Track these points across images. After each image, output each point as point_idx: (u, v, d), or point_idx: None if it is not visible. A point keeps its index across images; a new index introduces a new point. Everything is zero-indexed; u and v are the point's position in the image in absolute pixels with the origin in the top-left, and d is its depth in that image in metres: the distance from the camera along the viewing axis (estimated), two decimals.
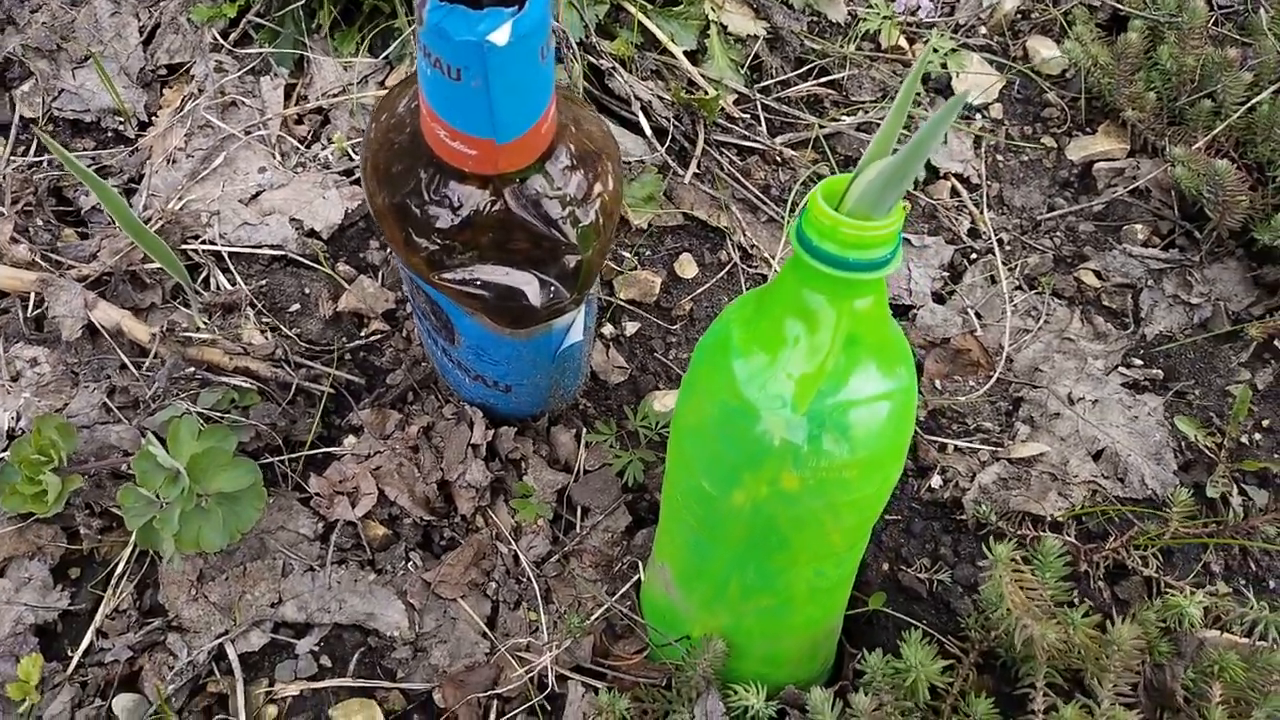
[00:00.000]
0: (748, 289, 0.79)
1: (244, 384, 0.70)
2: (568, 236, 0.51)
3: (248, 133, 0.82)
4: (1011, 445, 0.74)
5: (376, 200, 0.52)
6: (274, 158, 0.82)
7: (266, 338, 0.73)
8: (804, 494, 0.48)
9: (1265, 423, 0.76)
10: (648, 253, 0.81)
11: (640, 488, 0.70)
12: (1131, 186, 0.88)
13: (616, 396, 0.74)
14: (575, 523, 0.68)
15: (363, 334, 0.75)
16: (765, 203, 0.81)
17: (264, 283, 0.77)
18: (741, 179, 0.81)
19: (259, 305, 0.75)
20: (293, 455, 0.69)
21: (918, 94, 0.92)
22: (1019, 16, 0.98)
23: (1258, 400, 0.77)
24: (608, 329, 0.77)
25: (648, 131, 0.81)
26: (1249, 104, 0.85)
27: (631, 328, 0.77)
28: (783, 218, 0.81)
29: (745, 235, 0.80)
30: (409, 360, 0.73)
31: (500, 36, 0.39)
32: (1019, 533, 0.67)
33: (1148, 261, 0.85)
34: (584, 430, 0.71)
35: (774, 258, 0.80)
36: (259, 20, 0.87)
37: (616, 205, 0.54)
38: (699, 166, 0.82)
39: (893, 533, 0.70)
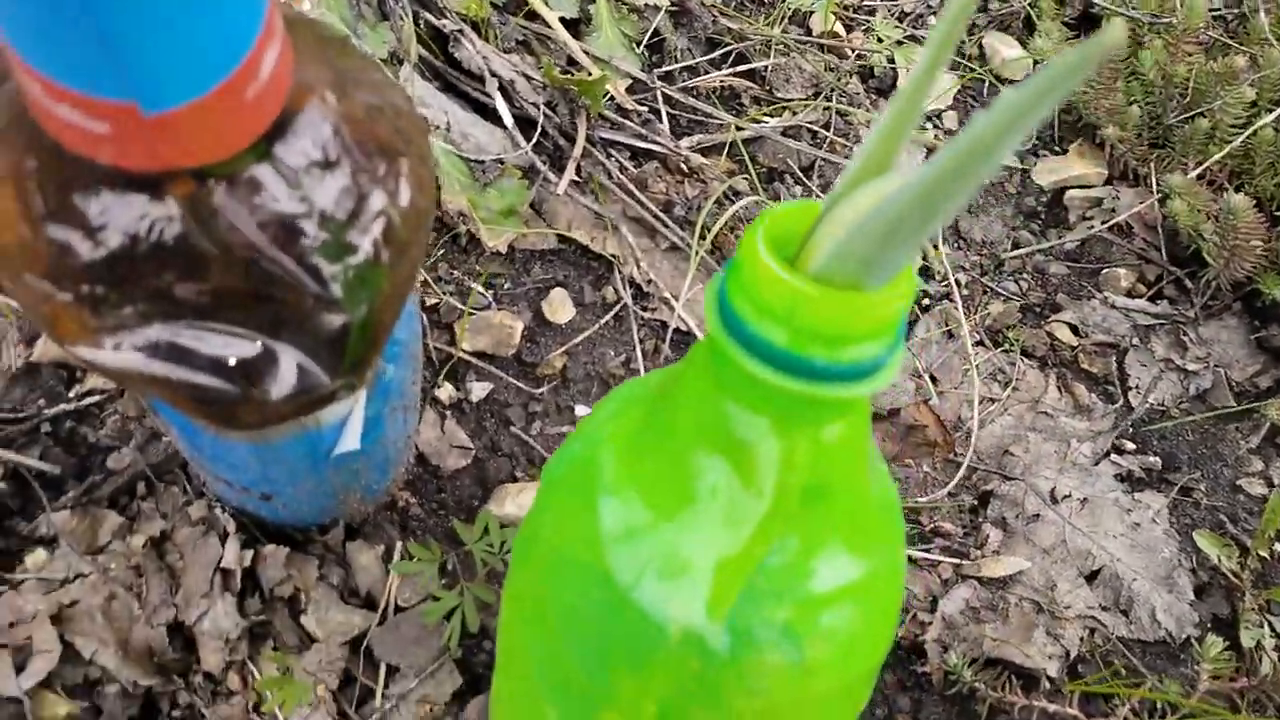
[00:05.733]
0: (642, 340, 0.59)
1: None
2: (320, 283, 0.29)
3: None
4: (981, 558, 0.56)
5: None
6: None
7: None
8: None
9: None
10: (506, 286, 0.59)
11: (478, 633, 0.48)
12: (1111, 221, 0.72)
13: (454, 490, 0.53)
14: (375, 689, 0.46)
15: (71, 395, 0.51)
16: (667, 224, 0.61)
17: None
18: (635, 191, 0.61)
19: None
20: None
21: (858, 93, 0.73)
22: (977, 10, 0.80)
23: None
24: (445, 391, 0.55)
25: (508, 121, 0.60)
26: (1251, 128, 0.70)
27: (479, 390, 0.56)
28: (688, 245, 0.60)
29: (639, 267, 0.60)
30: (142, 434, 0.50)
31: None
32: (1003, 698, 0.49)
33: (1134, 315, 0.69)
34: (398, 546, 0.49)
35: (677, 297, 0.59)
36: None
37: (417, 230, 0.33)
38: (579, 172, 0.61)
39: None
